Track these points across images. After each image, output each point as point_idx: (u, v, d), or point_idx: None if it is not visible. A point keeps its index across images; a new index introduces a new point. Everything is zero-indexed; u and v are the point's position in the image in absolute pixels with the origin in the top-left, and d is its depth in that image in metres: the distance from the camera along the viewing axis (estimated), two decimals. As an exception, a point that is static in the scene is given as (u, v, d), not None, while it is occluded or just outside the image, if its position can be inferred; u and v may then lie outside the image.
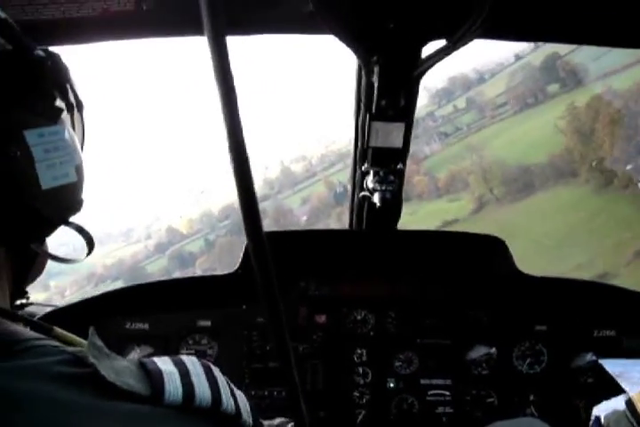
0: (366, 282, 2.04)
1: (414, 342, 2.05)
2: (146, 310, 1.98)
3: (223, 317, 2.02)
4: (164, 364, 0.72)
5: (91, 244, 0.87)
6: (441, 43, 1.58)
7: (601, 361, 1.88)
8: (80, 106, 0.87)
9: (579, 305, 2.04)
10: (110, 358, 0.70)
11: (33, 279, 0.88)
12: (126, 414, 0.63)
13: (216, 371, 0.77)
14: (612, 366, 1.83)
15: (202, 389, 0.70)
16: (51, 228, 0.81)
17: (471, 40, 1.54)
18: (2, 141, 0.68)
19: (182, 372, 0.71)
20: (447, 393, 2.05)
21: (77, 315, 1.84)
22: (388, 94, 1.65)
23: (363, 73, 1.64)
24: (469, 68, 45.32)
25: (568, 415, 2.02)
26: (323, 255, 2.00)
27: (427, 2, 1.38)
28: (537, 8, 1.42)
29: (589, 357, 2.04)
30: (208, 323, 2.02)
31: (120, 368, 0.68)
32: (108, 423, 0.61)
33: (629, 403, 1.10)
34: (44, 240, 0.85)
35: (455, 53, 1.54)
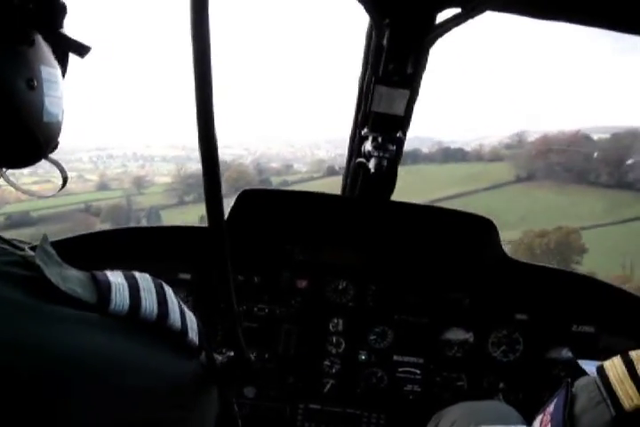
0: (351, 251, 2.03)
1: (391, 318, 2.04)
2: (130, 256, 1.97)
3: (203, 272, 2.01)
4: (115, 277, 0.73)
5: (65, 180, 0.91)
6: (455, 11, 1.59)
7: (579, 361, 1.84)
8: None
9: (561, 297, 2.02)
10: (61, 267, 0.70)
11: None
12: (70, 318, 0.63)
13: (168, 289, 0.78)
14: (589, 367, 1.79)
15: (149, 303, 0.71)
16: (36, 157, 0.83)
17: (485, 10, 1.54)
18: (27, 71, 0.74)
19: (132, 285, 0.72)
20: (418, 372, 2.04)
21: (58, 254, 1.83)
22: (396, 59, 1.64)
23: (373, 34, 1.64)
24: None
25: (534, 407, 2.01)
26: (311, 219, 1.99)
27: None
28: None
29: (565, 351, 2.03)
30: (188, 276, 2.01)
31: (68, 276, 0.69)
32: (51, 325, 0.61)
33: (600, 369, 1.09)
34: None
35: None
